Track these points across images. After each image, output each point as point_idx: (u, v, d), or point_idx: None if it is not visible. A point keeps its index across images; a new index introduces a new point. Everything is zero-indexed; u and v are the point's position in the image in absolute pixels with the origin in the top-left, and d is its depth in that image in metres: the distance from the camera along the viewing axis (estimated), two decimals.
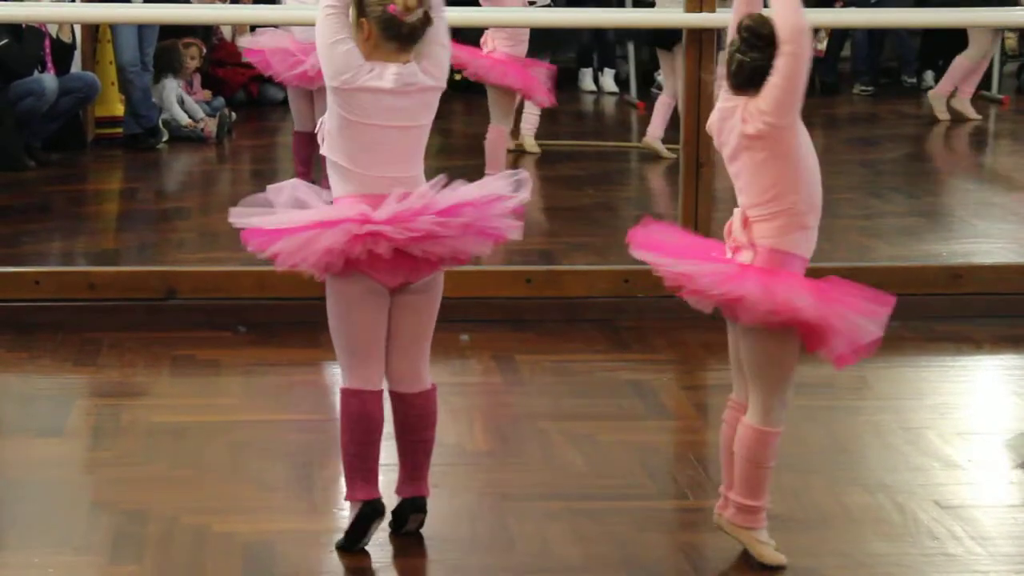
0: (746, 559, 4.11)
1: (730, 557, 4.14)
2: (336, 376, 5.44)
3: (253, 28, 11.83)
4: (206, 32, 11.58)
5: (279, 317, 6.23)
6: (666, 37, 9.29)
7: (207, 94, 11.17)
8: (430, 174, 4.11)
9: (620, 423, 5.24)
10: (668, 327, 6.19)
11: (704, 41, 6.51)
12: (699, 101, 6.44)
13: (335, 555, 4.15)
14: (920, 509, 4.45)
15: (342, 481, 4.23)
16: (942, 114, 11.52)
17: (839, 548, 4.21)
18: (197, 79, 11.11)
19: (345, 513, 4.26)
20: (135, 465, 4.79)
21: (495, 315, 6.32)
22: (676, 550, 4.21)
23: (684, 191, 6.59)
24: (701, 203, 6.55)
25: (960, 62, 11.46)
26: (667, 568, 4.12)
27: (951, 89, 11.53)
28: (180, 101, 10.61)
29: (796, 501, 4.50)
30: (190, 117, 10.62)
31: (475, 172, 6.95)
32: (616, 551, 4.17)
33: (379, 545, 4.20)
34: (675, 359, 5.98)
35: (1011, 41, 13.68)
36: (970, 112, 11.52)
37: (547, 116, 10.06)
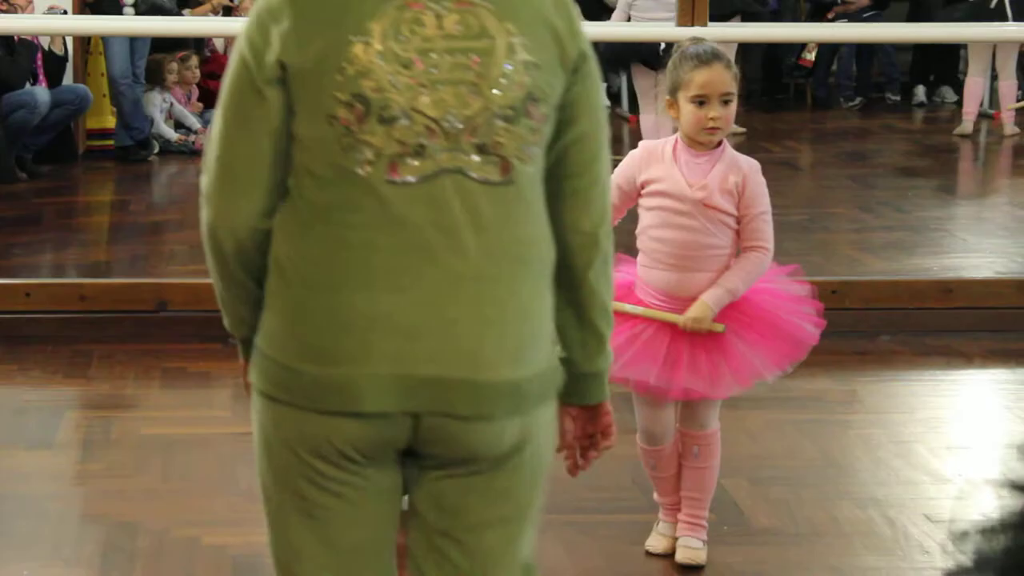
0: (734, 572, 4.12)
1: (722, 571, 4.14)
2: None
3: None
4: (198, 44, 11.59)
5: None
6: (654, 55, 9.22)
7: (199, 106, 11.17)
8: None
9: None
10: None
11: None
12: None
13: None
14: (910, 523, 4.45)
15: None
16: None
17: (829, 562, 4.21)
18: (195, 92, 11.11)
19: None
20: (125, 477, 4.78)
21: None
22: (667, 563, 4.20)
23: None
24: None
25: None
26: None
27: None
28: (168, 114, 10.62)
29: (787, 515, 4.50)
30: (183, 126, 10.63)
31: None
32: (606, 564, 4.17)
33: None
34: None
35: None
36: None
37: None
